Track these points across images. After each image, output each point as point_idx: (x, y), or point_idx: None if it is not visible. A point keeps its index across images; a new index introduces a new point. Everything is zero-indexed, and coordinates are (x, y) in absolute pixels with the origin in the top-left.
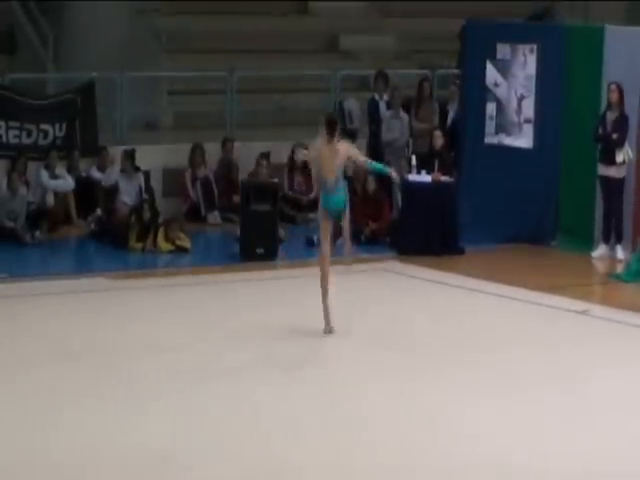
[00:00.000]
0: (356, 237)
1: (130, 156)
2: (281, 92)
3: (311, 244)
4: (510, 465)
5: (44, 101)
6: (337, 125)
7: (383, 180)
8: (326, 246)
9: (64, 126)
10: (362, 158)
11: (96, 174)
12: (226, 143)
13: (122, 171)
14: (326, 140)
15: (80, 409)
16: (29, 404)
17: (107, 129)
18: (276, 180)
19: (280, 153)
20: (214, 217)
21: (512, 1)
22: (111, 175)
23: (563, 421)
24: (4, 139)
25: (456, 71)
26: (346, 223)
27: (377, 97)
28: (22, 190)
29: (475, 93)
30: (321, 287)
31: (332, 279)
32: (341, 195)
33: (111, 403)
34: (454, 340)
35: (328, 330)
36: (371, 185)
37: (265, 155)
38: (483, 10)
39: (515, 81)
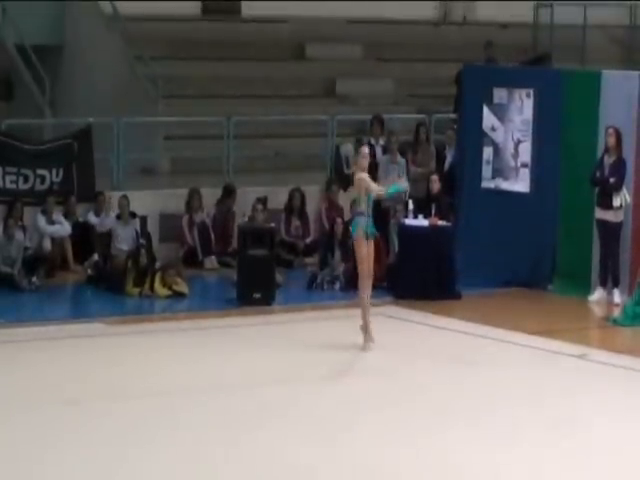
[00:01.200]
0: (353, 281)
1: (125, 202)
2: (278, 137)
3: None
4: None
5: (41, 146)
6: None
7: (379, 224)
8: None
9: (61, 171)
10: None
11: (93, 219)
12: (225, 189)
13: (118, 217)
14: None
15: (78, 455)
16: (25, 450)
17: (104, 174)
18: (273, 225)
19: (277, 198)
20: (211, 262)
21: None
22: (106, 220)
23: (564, 469)
24: (1, 184)
25: (453, 115)
26: None
27: (373, 141)
28: (19, 235)
29: (472, 137)
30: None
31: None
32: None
33: (107, 448)
34: (453, 385)
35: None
36: None
37: (262, 200)
38: (479, 55)
39: (512, 125)
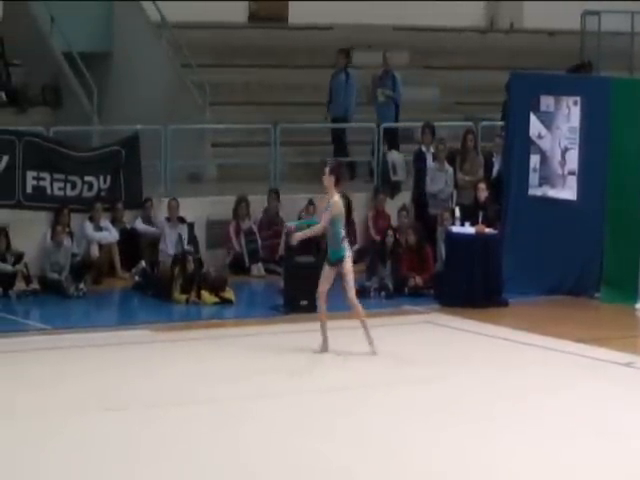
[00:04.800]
0: (400, 289)
1: (175, 204)
2: (325, 144)
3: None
4: None
5: (89, 153)
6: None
7: (427, 232)
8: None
9: (108, 178)
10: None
11: (140, 226)
12: (271, 194)
13: (167, 220)
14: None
15: (124, 461)
16: (71, 456)
17: (151, 181)
18: None
19: (323, 205)
20: (258, 269)
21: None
22: (155, 224)
23: (612, 477)
24: (49, 191)
25: (501, 123)
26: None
27: (424, 149)
28: (66, 242)
29: (519, 145)
30: None
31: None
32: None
33: (153, 455)
34: (500, 393)
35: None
36: (411, 237)
37: (311, 203)
38: (526, 63)
39: (559, 133)
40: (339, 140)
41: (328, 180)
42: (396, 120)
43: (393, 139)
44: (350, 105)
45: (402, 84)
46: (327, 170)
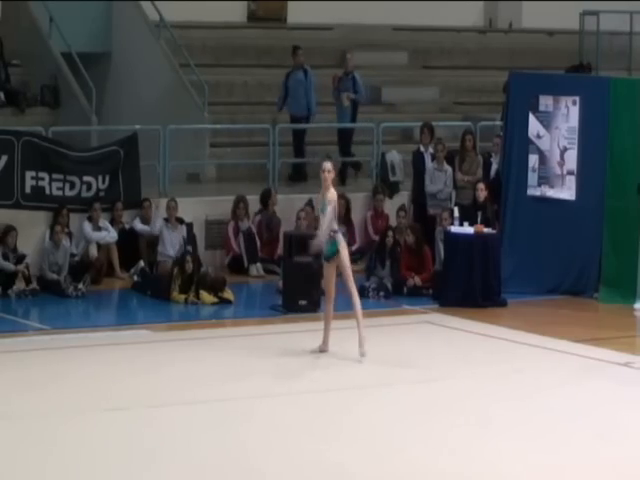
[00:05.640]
0: (399, 289)
1: (173, 204)
2: (324, 144)
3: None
4: None
5: (88, 153)
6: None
7: (426, 232)
8: None
9: (107, 178)
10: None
11: (139, 226)
12: (267, 195)
13: (166, 220)
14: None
15: (123, 461)
16: (71, 455)
17: (150, 181)
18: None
19: None
20: (256, 269)
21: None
22: (153, 225)
23: (607, 476)
24: (47, 191)
25: (499, 123)
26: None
27: (423, 149)
28: (65, 242)
29: (518, 145)
30: None
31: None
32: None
33: (152, 455)
34: (497, 393)
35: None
36: (410, 237)
37: (309, 203)
38: (525, 62)
39: (558, 133)
40: (299, 140)
41: (333, 175)
42: (353, 120)
43: (348, 139)
44: (312, 104)
45: (361, 86)
46: (330, 166)
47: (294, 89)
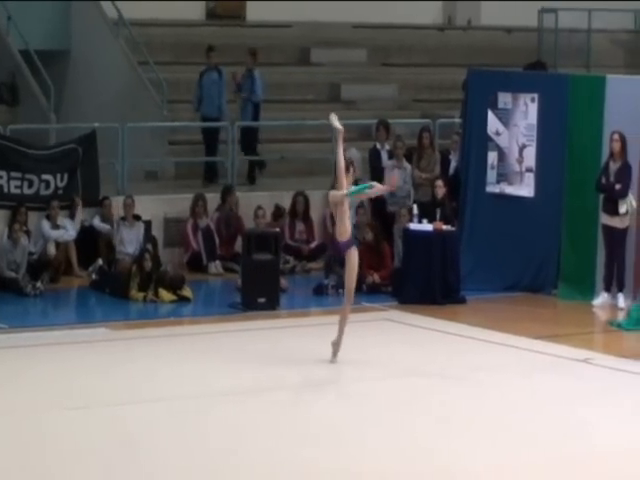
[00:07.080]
0: (358, 286)
1: (130, 202)
2: (282, 142)
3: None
4: None
5: (46, 151)
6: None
7: (385, 229)
8: None
9: (66, 176)
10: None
11: (98, 224)
12: (226, 192)
13: (122, 219)
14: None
15: (82, 461)
16: (29, 455)
17: (109, 179)
18: (277, 229)
19: (281, 203)
20: (215, 267)
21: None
22: (111, 222)
23: (568, 473)
24: (5, 189)
25: (459, 120)
26: None
27: (379, 146)
28: (23, 240)
29: (476, 142)
30: None
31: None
32: None
33: (112, 454)
34: (456, 390)
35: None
36: (369, 234)
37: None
38: (484, 60)
39: (517, 130)
40: (212, 139)
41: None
42: (255, 119)
43: (252, 138)
44: (223, 105)
45: (259, 86)
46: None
47: (208, 89)
